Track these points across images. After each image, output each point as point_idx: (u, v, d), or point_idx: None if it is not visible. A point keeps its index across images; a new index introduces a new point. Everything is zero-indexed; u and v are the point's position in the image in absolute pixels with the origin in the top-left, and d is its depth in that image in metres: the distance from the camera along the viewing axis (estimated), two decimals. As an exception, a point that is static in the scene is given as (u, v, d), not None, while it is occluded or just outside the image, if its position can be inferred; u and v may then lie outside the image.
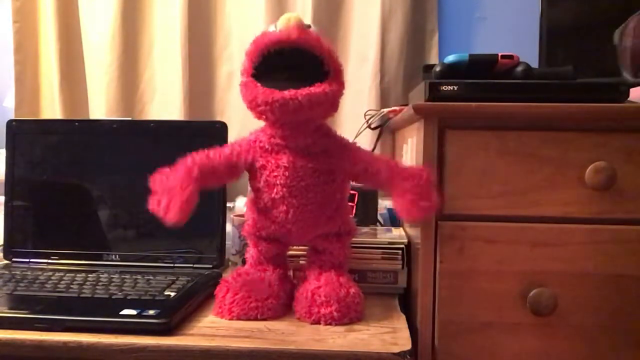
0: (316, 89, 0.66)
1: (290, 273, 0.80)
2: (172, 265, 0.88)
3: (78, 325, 0.63)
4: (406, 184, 0.66)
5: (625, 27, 0.79)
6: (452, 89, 0.71)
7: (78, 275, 0.81)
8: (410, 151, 0.82)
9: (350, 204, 0.92)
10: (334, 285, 0.69)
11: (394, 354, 0.60)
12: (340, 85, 0.69)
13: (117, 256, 0.90)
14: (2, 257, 0.93)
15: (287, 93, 0.65)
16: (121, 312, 0.65)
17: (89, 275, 0.81)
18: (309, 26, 0.68)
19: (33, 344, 0.62)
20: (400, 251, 0.80)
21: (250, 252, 0.76)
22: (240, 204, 1.05)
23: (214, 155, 0.71)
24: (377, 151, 1.16)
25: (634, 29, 0.78)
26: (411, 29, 1.17)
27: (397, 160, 0.72)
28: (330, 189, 0.71)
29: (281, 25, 0.66)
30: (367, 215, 0.97)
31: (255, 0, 1.19)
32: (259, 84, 0.67)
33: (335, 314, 0.68)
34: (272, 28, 0.67)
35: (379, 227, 0.96)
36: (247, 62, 0.68)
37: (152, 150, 0.91)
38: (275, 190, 0.69)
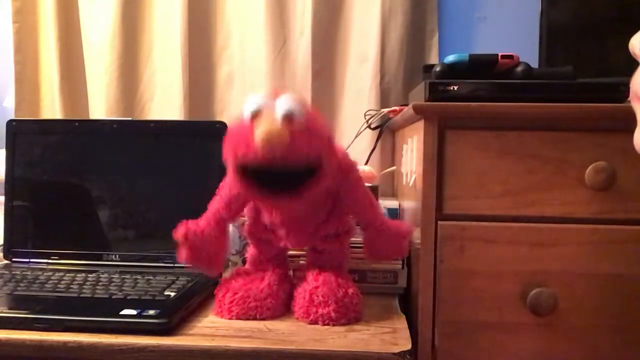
0: (312, 186, 0.63)
1: (291, 273, 0.80)
2: (172, 265, 0.88)
3: (78, 325, 0.63)
4: (374, 246, 0.74)
5: None
6: (452, 89, 0.71)
7: (78, 275, 0.81)
8: (410, 151, 0.82)
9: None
10: (332, 286, 0.69)
11: (394, 354, 0.60)
12: (334, 154, 0.66)
13: (117, 256, 0.90)
14: (2, 257, 0.93)
15: (282, 200, 0.64)
16: (121, 312, 0.65)
17: (89, 275, 0.81)
18: (291, 114, 0.59)
19: (33, 344, 0.62)
20: (400, 251, 0.80)
21: (250, 252, 0.76)
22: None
23: (230, 194, 0.71)
24: (377, 151, 1.16)
25: None
26: (411, 29, 1.16)
27: (380, 212, 0.75)
28: (324, 198, 0.71)
29: (260, 139, 0.58)
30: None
31: (255, 0, 1.19)
32: (249, 183, 0.63)
33: (333, 314, 0.68)
34: (251, 106, 0.60)
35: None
36: (230, 162, 0.63)
37: (152, 150, 0.91)
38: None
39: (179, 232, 0.69)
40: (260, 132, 0.58)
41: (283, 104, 0.60)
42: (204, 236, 0.69)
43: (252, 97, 0.61)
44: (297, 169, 0.60)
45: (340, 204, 0.73)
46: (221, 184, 0.72)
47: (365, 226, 0.73)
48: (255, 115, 0.60)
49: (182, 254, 0.69)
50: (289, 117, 0.59)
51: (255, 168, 0.60)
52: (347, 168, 0.71)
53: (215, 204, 0.71)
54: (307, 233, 0.72)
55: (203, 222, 0.70)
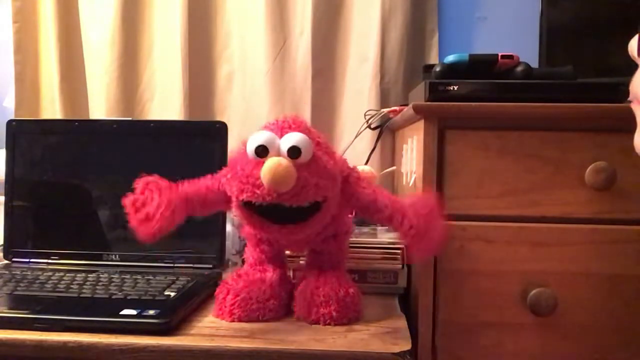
0: (318, 219, 0.63)
1: (290, 273, 0.80)
2: (172, 265, 0.88)
3: (78, 325, 0.63)
4: (406, 223, 0.63)
5: None
6: (452, 89, 0.71)
7: (78, 275, 0.81)
8: (410, 151, 0.82)
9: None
10: (333, 285, 0.69)
11: (394, 354, 0.60)
12: (336, 181, 0.64)
13: (117, 256, 0.90)
14: (2, 257, 0.93)
15: (287, 231, 0.63)
16: (121, 312, 0.65)
17: (89, 275, 0.81)
18: (298, 153, 0.59)
19: (33, 344, 0.61)
20: (400, 251, 0.80)
21: (249, 253, 0.76)
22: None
23: (206, 185, 0.67)
24: (377, 151, 1.16)
25: None
26: (411, 29, 1.16)
27: (397, 197, 0.67)
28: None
29: (267, 180, 0.58)
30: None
31: (255, 0, 1.19)
32: (253, 218, 0.63)
33: (334, 313, 0.68)
34: (255, 143, 0.59)
35: (379, 227, 0.96)
36: (234, 198, 0.63)
37: (152, 150, 0.91)
38: None
39: (143, 179, 0.64)
40: (266, 174, 0.58)
41: (289, 143, 0.59)
42: (164, 192, 0.64)
43: (257, 134, 0.60)
44: (303, 205, 0.60)
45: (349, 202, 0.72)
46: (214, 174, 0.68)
47: (389, 217, 0.65)
48: (261, 153, 0.59)
49: (131, 198, 0.64)
50: (295, 156, 0.59)
51: (260, 205, 0.60)
52: (346, 173, 0.67)
53: (194, 185, 0.67)
54: (307, 240, 0.72)
55: (204, 185, 0.66)
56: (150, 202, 0.63)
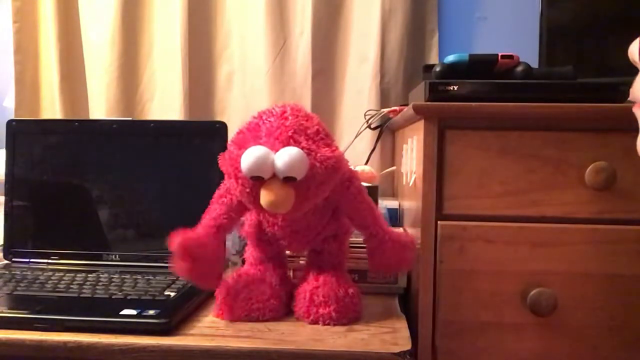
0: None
1: (290, 273, 0.80)
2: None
3: (78, 325, 0.63)
4: (385, 248, 0.70)
5: None
6: (452, 89, 0.71)
7: (78, 275, 0.81)
8: (410, 151, 0.82)
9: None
10: (333, 285, 0.69)
11: (394, 354, 0.60)
12: (334, 173, 0.65)
13: (117, 256, 0.90)
14: (2, 257, 0.93)
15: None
16: (121, 312, 0.65)
17: (89, 275, 0.81)
18: (293, 176, 0.60)
19: (33, 344, 0.62)
20: (400, 251, 0.80)
21: (250, 252, 0.76)
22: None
23: (230, 201, 0.69)
24: (377, 151, 1.16)
25: None
26: (411, 29, 1.16)
27: (383, 222, 0.72)
28: (324, 208, 0.71)
29: (266, 207, 0.61)
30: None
31: (255, 0, 1.19)
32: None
33: (333, 314, 0.68)
34: (249, 167, 0.60)
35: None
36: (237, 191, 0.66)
37: (152, 150, 0.91)
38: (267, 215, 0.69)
39: (176, 242, 0.64)
40: (264, 203, 0.61)
41: (283, 164, 0.60)
42: (203, 245, 0.66)
43: (250, 153, 0.60)
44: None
45: (340, 207, 0.73)
46: (217, 192, 0.70)
47: (368, 237, 0.72)
48: (256, 178, 0.61)
49: (179, 266, 0.64)
50: (291, 178, 0.61)
51: None
52: (347, 179, 0.69)
53: (215, 212, 0.69)
54: (307, 240, 0.72)
55: (201, 230, 0.67)
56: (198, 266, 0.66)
